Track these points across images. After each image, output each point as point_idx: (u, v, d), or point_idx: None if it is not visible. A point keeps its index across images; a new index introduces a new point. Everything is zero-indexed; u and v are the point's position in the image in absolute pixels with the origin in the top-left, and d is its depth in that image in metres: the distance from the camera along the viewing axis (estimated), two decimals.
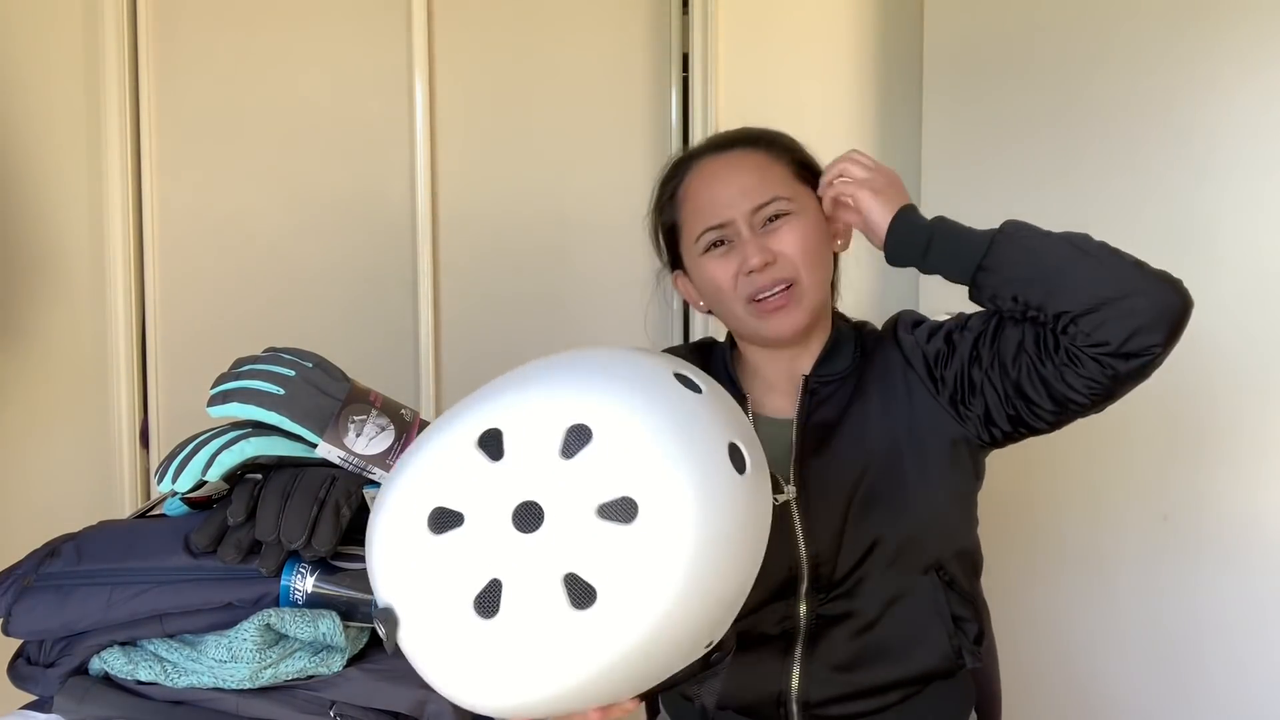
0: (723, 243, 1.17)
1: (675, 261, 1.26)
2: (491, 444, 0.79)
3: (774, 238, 1.16)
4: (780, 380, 1.23)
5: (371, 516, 0.84)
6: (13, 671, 1.04)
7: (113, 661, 1.00)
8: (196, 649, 1.00)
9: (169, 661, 1.00)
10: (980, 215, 1.93)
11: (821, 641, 1.16)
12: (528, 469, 0.77)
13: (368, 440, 1.04)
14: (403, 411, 1.10)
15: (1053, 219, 1.83)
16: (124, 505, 1.78)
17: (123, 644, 1.01)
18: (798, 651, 1.16)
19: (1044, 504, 1.82)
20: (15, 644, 1.06)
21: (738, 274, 1.16)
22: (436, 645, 0.80)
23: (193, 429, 1.06)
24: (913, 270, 1.96)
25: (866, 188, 1.14)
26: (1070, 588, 1.85)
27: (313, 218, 1.89)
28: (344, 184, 1.90)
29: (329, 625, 1.00)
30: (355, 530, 1.05)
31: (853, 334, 1.25)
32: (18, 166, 1.73)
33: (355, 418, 1.05)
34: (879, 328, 1.28)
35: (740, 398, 1.22)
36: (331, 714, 1.00)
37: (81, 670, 1.02)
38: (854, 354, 1.22)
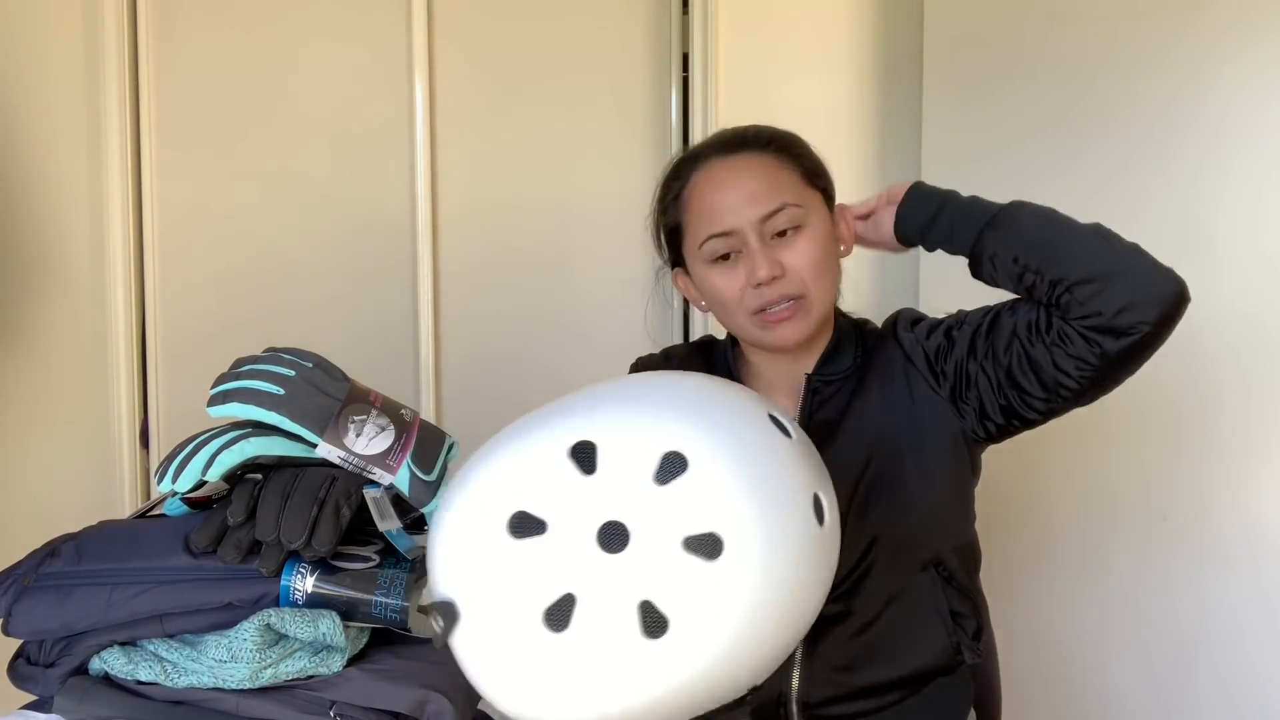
0: (729, 255, 1.15)
1: (676, 260, 1.24)
2: (584, 456, 0.77)
3: (784, 251, 1.13)
4: (782, 379, 1.22)
5: (443, 506, 0.82)
6: (13, 671, 1.04)
7: (113, 661, 1.00)
8: (196, 649, 1.00)
9: (169, 661, 1.00)
10: None
11: (821, 642, 1.16)
12: (619, 488, 0.75)
13: (368, 440, 1.04)
14: (403, 411, 1.10)
15: None
16: (124, 505, 1.78)
17: (123, 644, 1.01)
18: (797, 653, 1.16)
19: (1044, 504, 1.82)
20: (15, 644, 1.06)
21: (745, 287, 1.13)
22: (496, 649, 0.79)
23: (193, 429, 1.06)
24: (913, 269, 1.96)
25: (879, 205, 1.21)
26: (1070, 587, 1.84)
27: (313, 217, 1.89)
28: (344, 184, 1.90)
29: (329, 625, 1.00)
30: (355, 530, 1.05)
31: (854, 333, 1.24)
32: (18, 166, 1.73)
33: (355, 418, 1.05)
34: (879, 326, 1.28)
35: None
36: (331, 714, 1.00)
37: (81, 670, 1.02)
38: (855, 353, 1.22)
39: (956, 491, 1.21)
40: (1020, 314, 1.12)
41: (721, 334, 1.31)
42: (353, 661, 1.03)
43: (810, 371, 1.20)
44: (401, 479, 1.04)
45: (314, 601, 1.02)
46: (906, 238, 1.20)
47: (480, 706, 1.14)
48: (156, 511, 1.11)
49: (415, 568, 1.08)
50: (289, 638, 1.01)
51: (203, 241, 1.84)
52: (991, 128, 1.92)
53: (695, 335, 2.04)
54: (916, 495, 1.16)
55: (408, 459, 1.05)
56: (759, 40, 2.06)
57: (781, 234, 1.14)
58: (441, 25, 1.92)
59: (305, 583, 1.01)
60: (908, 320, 1.23)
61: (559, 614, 0.74)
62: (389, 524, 1.04)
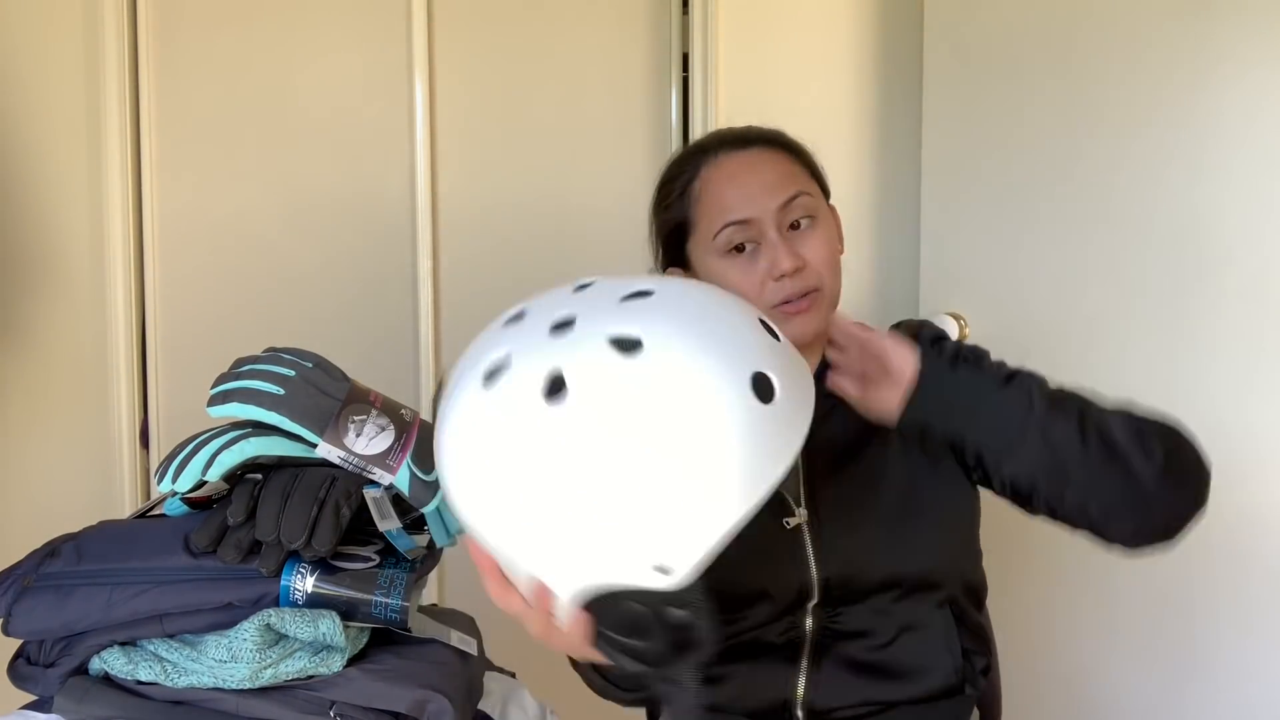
0: (744, 247, 1.13)
1: (675, 260, 1.22)
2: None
3: (802, 243, 1.12)
4: None
5: (441, 415, 0.83)
6: (13, 671, 1.04)
7: (113, 661, 1.00)
8: (196, 649, 1.00)
9: (169, 661, 1.00)
10: (980, 214, 1.94)
11: (828, 652, 1.15)
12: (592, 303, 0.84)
13: (368, 440, 1.04)
14: (403, 411, 1.10)
15: (1053, 218, 1.84)
16: (124, 505, 1.77)
17: (123, 644, 1.01)
18: (803, 661, 1.15)
19: None
20: (15, 644, 1.06)
21: (765, 280, 1.11)
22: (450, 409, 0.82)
23: (193, 429, 1.06)
24: (913, 269, 1.95)
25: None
26: (1070, 588, 1.85)
27: (313, 217, 1.89)
28: (344, 184, 1.90)
29: (329, 625, 1.00)
30: (355, 530, 1.05)
31: None
32: (18, 166, 1.73)
33: (355, 418, 1.05)
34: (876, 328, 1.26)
35: None
36: (331, 714, 1.00)
37: (81, 670, 1.02)
38: None
39: (970, 528, 1.20)
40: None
41: None
42: (353, 661, 1.03)
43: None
44: (401, 479, 1.04)
45: (314, 601, 1.02)
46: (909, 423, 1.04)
47: (480, 706, 1.15)
48: (156, 511, 1.12)
49: (415, 568, 1.08)
50: (289, 638, 1.01)
51: (203, 241, 1.84)
52: (991, 128, 1.92)
53: None
54: (936, 533, 1.15)
55: (408, 459, 1.05)
56: (759, 40, 2.06)
57: (795, 226, 1.13)
58: (441, 25, 1.92)
59: (305, 583, 1.02)
60: (930, 342, 1.17)
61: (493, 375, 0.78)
62: (389, 524, 1.04)
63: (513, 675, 1.25)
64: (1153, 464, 0.95)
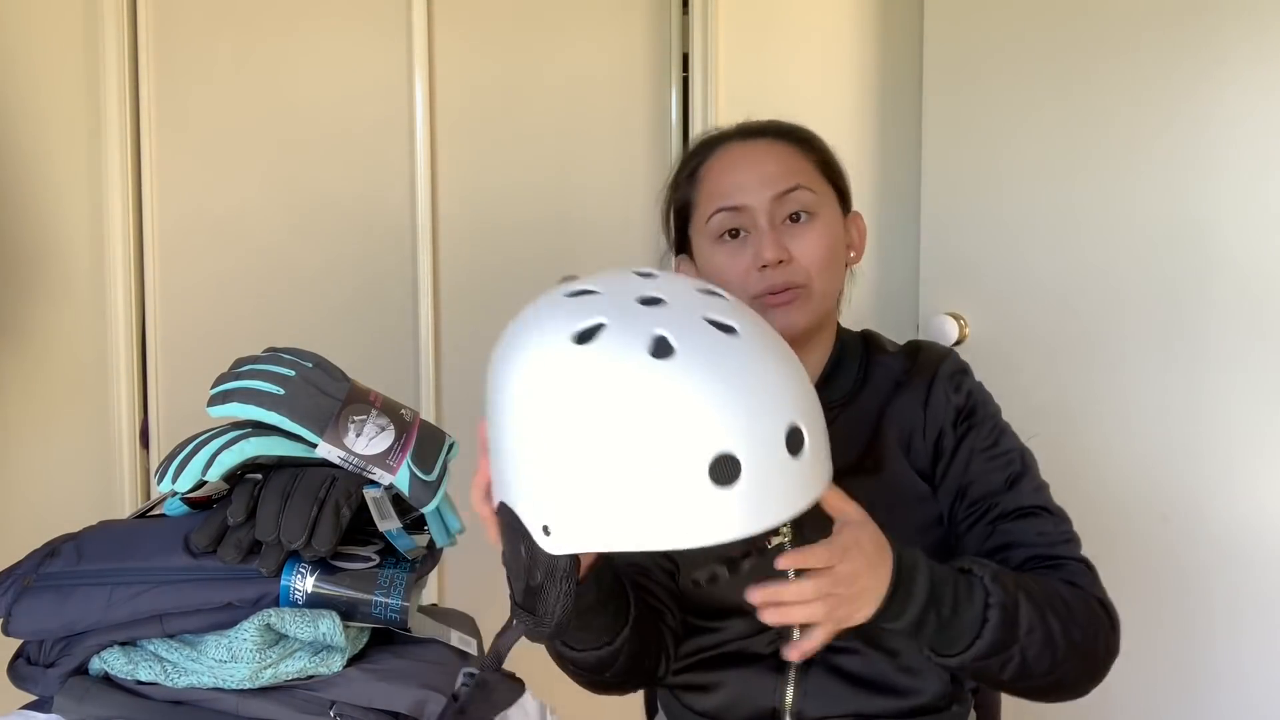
0: (737, 233, 1.12)
1: (682, 244, 1.21)
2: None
3: (793, 238, 1.11)
4: None
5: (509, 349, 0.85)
6: (13, 671, 1.04)
7: (113, 661, 1.00)
8: (196, 649, 1.00)
9: (169, 661, 1.00)
10: (980, 212, 1.94)
11: (816, 662, 1.13)
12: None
13: (368, 440, 1.04)
14: (402, 411, 1.10)
15: (1053, 218, 1.84)
16: (124, 505, 1.77)
17: (123, 644, 1.01)
18: (791, 671, 1.13)
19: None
20: (15, 644, 1.06)
21: (749, 269, 1.11)
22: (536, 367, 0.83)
23: (193, 429, 1.06)
24: (913, 269, 1.94)
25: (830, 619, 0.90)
26: None
27: (313, 218, 1.89)
28: (344, 184, 1.90)
29: (329, 625, 1.00)
30: (355, 530, 1.05)
31: (860, 350, 1.19)
32: (18, 166, 1.73)
33: (355, 418, 1.05)
34: (888, 342, 1.21)
35: None
36: (331, 714, 1.00)
37: (81, 670, 1.02)
38: (858, 374, 1.17)
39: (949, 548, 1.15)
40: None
41: None
42: (353, 661, 1.03)
43: None
44: (401, 479, 1.04)
45: (314, 601, 1.02)
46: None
47: None
48: (156, 511, 1.12)
49: (415, 568, 1.08)
50: (289, 638, 1.01)
51: (203, 241, 1.84)
52: (991, 128, 1.92)
53: None
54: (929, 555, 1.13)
55: (408, 459, 1.05)
56: (759, 40, 2.06)
57: (794, 220, 1.11)
58: (441, 25, 1.92)
59: (305, 583, 1.02)
60: (949, 382, 1.14)
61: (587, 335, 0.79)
62: (389, 524, 1.04)
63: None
64: (1073, 647, 0.99)
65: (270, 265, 1.87)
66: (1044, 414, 1.82)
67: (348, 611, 1.03)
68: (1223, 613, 1.70)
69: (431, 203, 1.91)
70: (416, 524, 1.10)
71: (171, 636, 1.01)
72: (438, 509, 1.08)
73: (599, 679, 1.09)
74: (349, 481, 1.03)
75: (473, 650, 1.14)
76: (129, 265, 1.78)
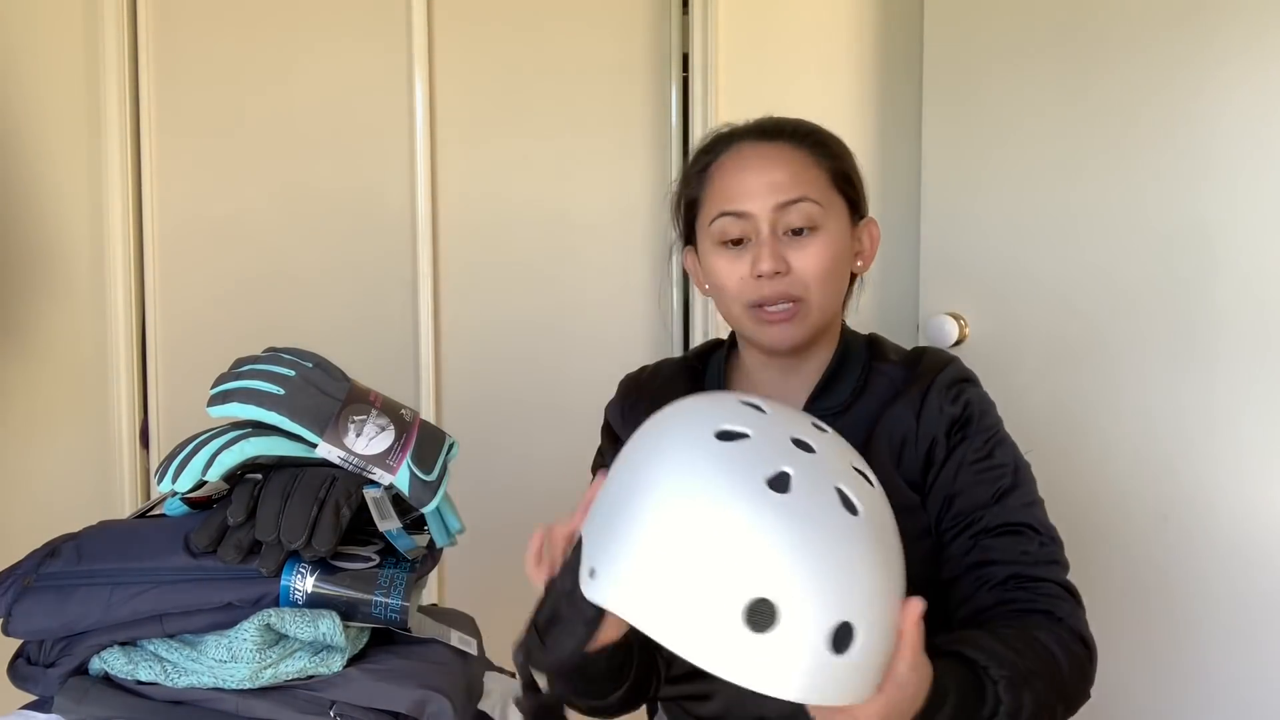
0: (740, 241, 1.11)
1: (689, 237, 1.20)
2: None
3: (795, 252, 1.09)
4: (771, 394, 1.15)
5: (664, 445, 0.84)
6: (13, 671, 1.04)
7: (113, 661, 1.00)
8: (196, 649, 1.00)
9: (169, 661, 1.00)
10: (980, 213, 1.94)
11: None
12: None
13: (368, 440, 1.04)
14: (403, 411, 1.10)
15: (1053, 218, 1.84)
16: (124, 505, 1.78)
17: (123, 644, 1.01)
18: None
19: (1044, 503, 1.82)
20: (15, 644, 1.06)
21: (746, 276, 1.10)
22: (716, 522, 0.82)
23: (193, 429, 1.06)
24: (913, 269, 1.93)
25: None
26: None
27: (313, 218, 1.89)
28: (344, 184, 1.90)
29: (329, 625, 1.00)
30: (355, 530, 1.05)
31: (862, 357, 1.17)
32: (18, 166, 1.73)
33: (355, 418, 1.05)
34: (894, 349, 1.19)
35: None
36: (331, 714, 1.00)
37: (81, 670, 1.02)
38: (857, 382, 1.15)
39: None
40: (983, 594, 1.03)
41: (722, 323, 1.28)
42: (353, 661, 1.03)
43: (801, 407, 1.13)
44: (401, 479, 1.04)
45: (314, 601, 1.02)
46: None
47: (480, 706, 1.15)
48: (156, 511, 1.12)
49: (415, 568, 1.08)
50: (289, 638, 1.01)
51: (203, 241, 1.84)
52: (991, 128, 1.92)
53: (695, 325, 2.04)
54: (924, 565, 1.08)
55: (408, 459, 1.05)
56: (759, 40, 2.06)
57: (797, 233, 1.10)
58: (441, 25, 1.92)
59: (305, 583, 1.02)
60: (947, 386, 1.11)
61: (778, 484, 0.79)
62: (389, 524, 1.04)
63: (513, 675, 1.25)
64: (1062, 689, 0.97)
65: (270, 265, 1.87)
66: (1044, 414, 1.82)
67: (348, 611, 1.03)
68: (1223, 613, 1.70)
69: (431, 202, 1.91)
70: (416, 524, 1.10)
71: (171, 636, 1.01)
72: (438, 509, 1.08)
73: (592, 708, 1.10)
74: (349, 481, 1.03)
75: (473, 650, 1.14)
76: (129, 265, 1.78)
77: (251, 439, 1.02)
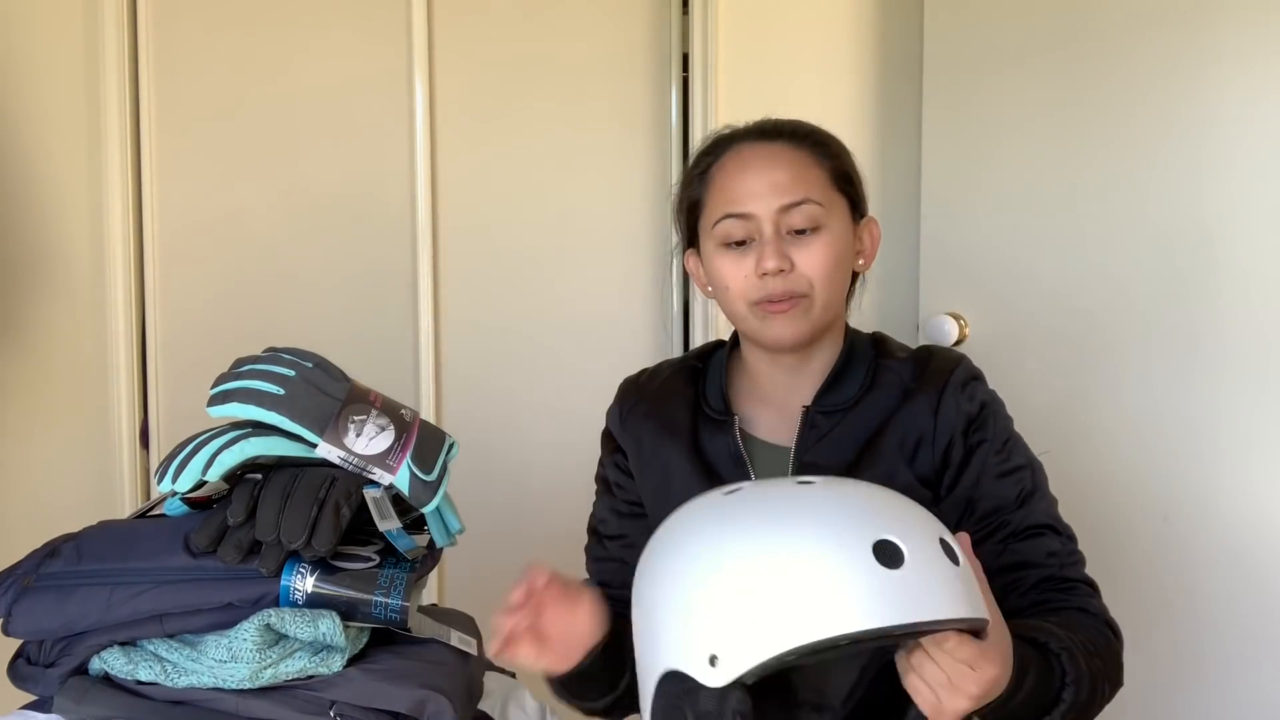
0: (743, 243, 1.11)
1: (691, 239, 1.20)
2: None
3: (798, 250, 1.10)
4: (775, 394, 1.17)
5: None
6: (13, 671, 1.04)
7: (113, 661, 1.00)
8: (196, 649, 1.00)
9: (169, 661, 1.00)
10: (980, 213, 1.94)
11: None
12: None
13: (368, 440, 1.04)
14: (402, 411, 1.10)
15: (1053, 218, 1.84)
16: (124, 505, 1.77)
17: (123, 644, 1.01)
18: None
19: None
20: (15, 644, 1.06)
21: (750, 275, 1.10)
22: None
23: (193, 429, 1.06)
24: (913, 269, 1.93)
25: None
26: None
27: (313, 217, 1.89)
28: (344, 183, 1.90)
29: (329, 625, 1.00)
30: (355, 530, 1.05)
31: (868, 354, 1.18)
32: (18, 166, 1.73)
33: (355, 418, 1.05)
34: (899, 346, 1.20)
35: (729, 416, 1.16)
36: (331, 714, 1.00)
37: (81, 670, 1.02)
38: (864, 378, 1.15)
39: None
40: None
41: (722, 324, 1.28)
42: (353, 661, 1.03)
43: (808, 403, 1.14)
44: (401, 479, 1.04)
45: (314, 601, 1.02)
46: None
47: (480, 706, 1.15)
48: (156, 511, 1.12)
49: (415, 568, 1.08)
50: (289, 638, 1.01)
51: (203, 241, 1.84)
52: (991, 128, 1.92)
53: (696, 323, 2.04)
54: None
55: (408, 459, 1.05)
56: (759, 40, 2.06)
57: (799, 233, 1.11)
58: (441, 25, 1.92)
59: (305, 583, 1.02)
60: (962, 385, 1.12)
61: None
62: (389, 524, 1.04)
63: (513, 675, 1.25)
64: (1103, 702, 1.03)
65: (270, 265, 1.87)
66: (1044, 414, 1.82)
67: (348, 611, 1.03)
68: (1223, 613, 1.70)
69: (431, 202, 1.91)
70: (416, 524, 1.10)
71: (171, 636, 1.01)
72: (438, 509, 1.08)
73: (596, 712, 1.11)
74: (349, 481, 1.03)
75: (473, 650, 1.14)
76: (129, 265, 1.78)
77: (251, 439, 1.02)
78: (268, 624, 0.99)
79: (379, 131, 1.91)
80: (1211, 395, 1.68)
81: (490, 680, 1.19)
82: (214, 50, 1.83)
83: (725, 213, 1.12)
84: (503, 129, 1.98)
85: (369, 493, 1.04)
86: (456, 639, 1.12)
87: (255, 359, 1.08)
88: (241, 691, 0.99)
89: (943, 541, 0.83)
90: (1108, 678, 1.03)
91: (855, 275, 1.20)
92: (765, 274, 1.10)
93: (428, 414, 1.91)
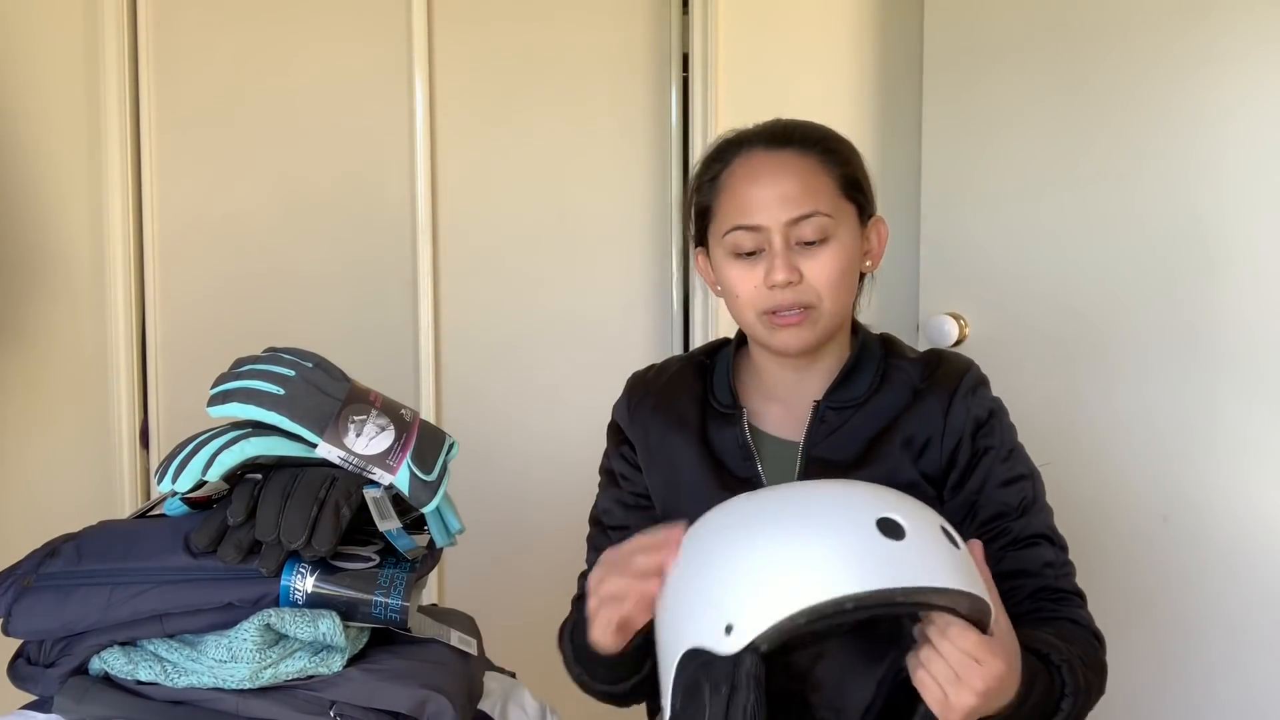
0: (753, 253, 1.12)
1: (701, 239, 1.21)
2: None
3: (806, 260, 1.11)
4: (783, 390, 1.19)
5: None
6: (13, 671, 1.04)
7: (113, 661, 1.00)
8: (196, 649, 1.00)
9: (169, 661, 1.00)
10: (980, 212, 1.94)
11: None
12: None
13: (368, 440, 1.04)
14: (402, 411, 1.10)
15: (1053, 218, 1.84)
16: (124, 505, 1.77)
17: (123, 644, 1.01)
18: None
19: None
20: (15, 644, 1.06)
21: (759, 285, 1.12)
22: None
23: (193, 429, 1.06)
24: (913, 269, 1.94)
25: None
26: None
27: (313, 217, 1.89)
28: (344, 183, 1.90)
29: (329, 625, 1.00)
30: (355, 530, 1.05)
31: (878, 354, 1.19)
32: (18, 166, 1.73)
33: (355, 418, 1.05)
34: (908, 348, 1.21)
35: (737, 410, 1.17)
36: (331, 714, 1.00)
37: (81, 670, 1.02)
38: (874, 377, 1.17)
39: None
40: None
41: (724, 318, 1.28)
42: (353, 661, 1.03)
43: (818, 397, 1.15)
44: (401, 479, 1.04)
45: (314, 601, 1.02)
46: None
47: (480, 706, 1.15)
48: (156, 511, 1.12)
49: (415, 568, 1.08)
50: (289, 638, 1.01)
51: (203, 241, 1.84)
52: (991, 128, 1.92)
53: (696, 323, 2.04)
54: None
55: (408, 459, 1.05)
56: (759, 40, 2.06)
57: (808, 244, 1.12)
58: (441, 25, 1.92)
59: (305, 583, 1.02)
60: (972, 390, 1.15)
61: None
62: (389, 524, 1.04)
63: (513, 675, 1.25)
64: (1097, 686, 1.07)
65: (270, 265, 1.87)
66: (1044, 414, 1.82)
67: (348, 611, 1.03)
68: (1223, 613, 1.70)
69: (431, 202, 1.91)
70: (416, 524, 1.10)
71: (171, 636, 1.01)
72: (438, 509, 1.08)
73: (614, 697, 1.13)
74: (349, 481, 1.03)
75: (473, 650, 1.14)
76: (129, 265, 1.78)
77: (251, 439, 1.02)
78: (268, 624, 0.99)
79: (379, 131, 1.91)
80: (1210, 395, 1.68)
81: (490, 680, 1.19)
82: (214, 50, 1.83)
83: (735, 224, 1.13)
84: (502, 128, 1.98)
85: (369, 493, 1.04)
86: (457, 639, 1.12)
87: (255, 359, 1.08)
88: (241, 691, 0.99)
89: (944, 529, 0.88)
90: (1096, 688, 1.06)
91: (862, 275, 1.21)
92: (774, 285, 1.11)
93: (427, 413, 1.91)
